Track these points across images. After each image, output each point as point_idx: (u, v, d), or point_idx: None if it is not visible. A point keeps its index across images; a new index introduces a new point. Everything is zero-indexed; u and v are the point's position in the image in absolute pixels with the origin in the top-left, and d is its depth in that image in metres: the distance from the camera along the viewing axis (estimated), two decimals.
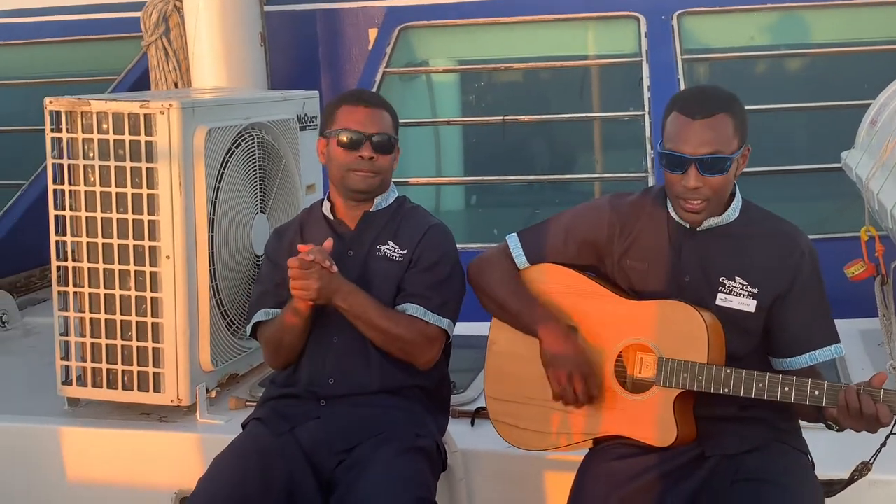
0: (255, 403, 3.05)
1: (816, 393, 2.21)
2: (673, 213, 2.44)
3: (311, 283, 2.52)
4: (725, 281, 2.38)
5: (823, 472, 2.47)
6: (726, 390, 2.28)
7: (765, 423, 2.41)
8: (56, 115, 3.19)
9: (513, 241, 2.59)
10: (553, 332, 2.46)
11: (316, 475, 2.53)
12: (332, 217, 2.77)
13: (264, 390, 2.88)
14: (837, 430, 2.30)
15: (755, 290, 2.37)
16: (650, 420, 2.36)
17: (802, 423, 2.50)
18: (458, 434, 2.98)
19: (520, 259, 2.57)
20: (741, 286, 2.37)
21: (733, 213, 2.42)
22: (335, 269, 2.55)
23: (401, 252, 2.69)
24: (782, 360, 2.41)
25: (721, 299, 2.38)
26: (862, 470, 2.39)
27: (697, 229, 2.41)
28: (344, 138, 2.66)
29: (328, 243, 2.59)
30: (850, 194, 3.86)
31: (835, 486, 2.43)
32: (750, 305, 2.37)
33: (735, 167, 2.36)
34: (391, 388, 2.65)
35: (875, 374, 2.22)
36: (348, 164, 2.66)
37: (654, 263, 2.43)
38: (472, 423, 3.15)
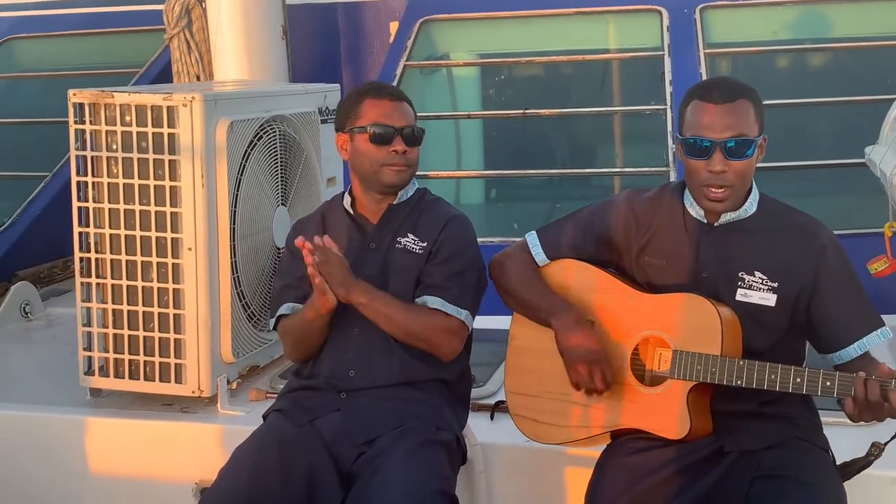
0: (275, 395, 3.07)
1: (828, 384, 2.21)
2: (690, 209, 2.43)
3: (333, 268, 2.51)
4: (745, 276, 2.38)
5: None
6: (739, 382, 2.27)
7: (785, 419, 2.40)
8: (80, 108, 3.21)
9: (531, 239, 2.60)
10: (568, 322, 2.47)
11: (336, 467, 2.53)
12: (352, 211, 2.77)
13: (286, 382, 2.89)
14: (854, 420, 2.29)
15: (775, 285, 2.36)
16: (665, 412, 2.37)
17: (824, 420, 2.48)
18: (478, 427, 2.99)
19: (539, 257, 2.58)
20: (761, 280, 2.37)
21: (751, 207, 2.41)
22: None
23: (420, 244, 2.69)
24: (833, 355, 2.39)
25: (741, 294, 2.37)
26: (876, 452, 2.37)
27: (715, 224, 2.41)
28: (374, 133, 2.65)
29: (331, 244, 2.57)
30: (874, 190, 3.83)
31: (849, 469, 2.41)
32: (770, 300, 2.36)
33: (756, 154, 2.36)
34: (412, 381, 2.65)
35: (881, 365, 2.22)
36: (381, 159, 2.65)
37: (673, 260, 2.43)
38: (492, 417, 3.16)
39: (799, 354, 2.46)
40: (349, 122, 2.71)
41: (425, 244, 2.69)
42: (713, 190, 2.34)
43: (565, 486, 2.92)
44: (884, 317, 3.60)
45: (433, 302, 2.62)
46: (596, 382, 2.43)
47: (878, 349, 3.46)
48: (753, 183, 2.44)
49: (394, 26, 5.92)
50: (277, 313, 2.76)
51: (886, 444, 2.37)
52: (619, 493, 2.31)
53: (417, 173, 2.76)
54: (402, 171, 2.67)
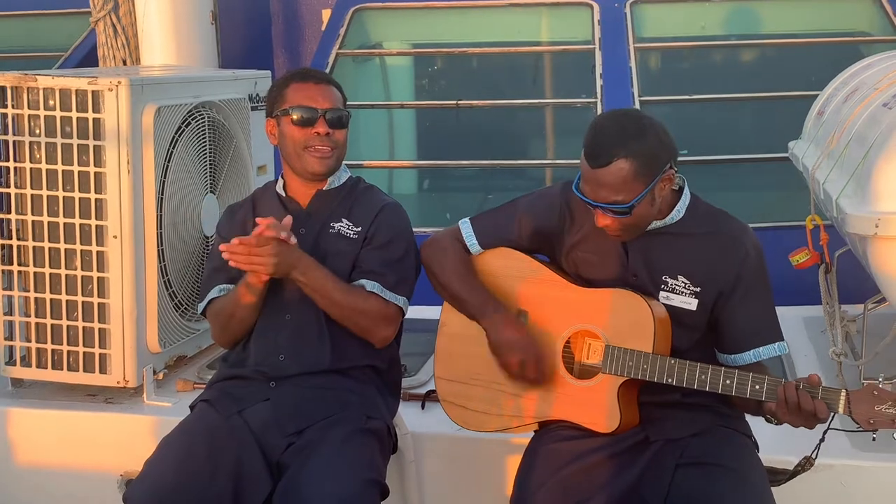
0: (203, 385, 3.04)
1: (757, 387, 2.26)
2: None
3: (266, 259, 2.50)
4: (668, 279, 2.41)
5: (767, 455, 2.51)
6: (670, 380, 2.31)
7: (708, 408, 2.44)
8: (1, 91, 3.13)
9: (465, 227, 2.60)
10: (499, 321, 2.48)
11: (265, 457, 2.51)
12: (284, 194, 2.75)
13: (215, 371, 2.86)
14: (776, 424, 2.34)
15: (697, 289, 2.39)
16: (595, 406, 2.39)
17: None
18: (409, 416, 2.99)
19: (474, 248, 2.58)
20: (683, 285, 2.40)
21: (678, 213, 2.42)
22: (294, 240, 2.53)
23: (355, 230, 2.69)
24: (728, 356, 2.44)
25: (663, 297, 2.40)
26: (805, 464, 2.44)
27: None
28: (297, 116, 2.64)
29: (288, 220, 2.56)
30: (797, 184, 3.92)
31: (778, 477, 2.48)
32: (692, 304, 2.40)
33: (648, 201, 2.31)
34: (344, 367, 2.64)
35: (811, 374, 2.26)
36: (304, 141, 2.64)
37: (604, 258, 2.45)
38: (423, 406, 3.16)
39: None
40: (276, 107, 2.70)
41: (360, 229, 2.68)
42: (609, 231, 2.36)
43: (495, 473, 2.95)
44: (803, 307, 3.72)
45: (371, 286, 2.62)
46: (528, 374, 2.44)
47: (800, 340, 3.57)
48: (686, 186, 2.45)
49: (326, 14, 5.88)
50: (208, 297, 2.73)
51: (815, 457, 2.41)
52: (547, 477, 2.34)
53: (350, 162, 2.75)
54: (325, 155, 2.65)
